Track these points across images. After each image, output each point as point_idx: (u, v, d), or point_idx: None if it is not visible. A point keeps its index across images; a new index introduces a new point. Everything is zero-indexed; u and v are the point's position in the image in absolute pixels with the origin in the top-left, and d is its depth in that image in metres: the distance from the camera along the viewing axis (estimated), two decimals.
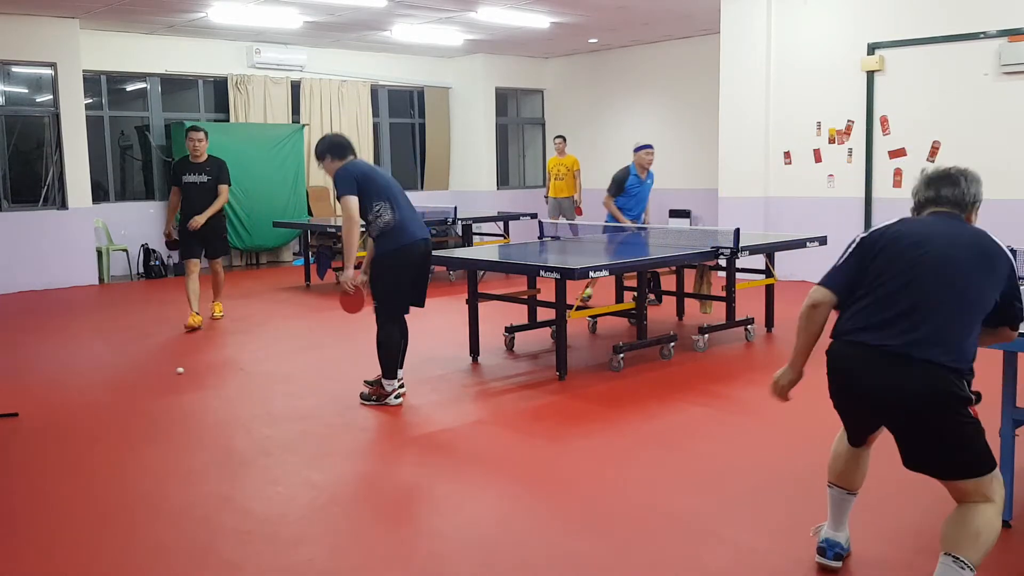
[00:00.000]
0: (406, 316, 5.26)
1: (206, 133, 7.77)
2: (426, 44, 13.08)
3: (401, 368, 5.31)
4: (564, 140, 12.32)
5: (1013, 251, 2.77)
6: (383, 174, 5.25)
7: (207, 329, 7.73)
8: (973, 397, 2.62)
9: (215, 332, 7.60)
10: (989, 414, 3.87)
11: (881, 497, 3.58)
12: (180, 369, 6.11)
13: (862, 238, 2.83)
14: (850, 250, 2.84)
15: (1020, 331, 2.84)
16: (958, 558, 2.58)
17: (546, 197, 12.45)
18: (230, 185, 7.79)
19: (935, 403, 2.57)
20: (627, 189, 8.06)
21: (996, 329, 2.78)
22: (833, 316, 2.85)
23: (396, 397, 5.22)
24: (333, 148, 5.19)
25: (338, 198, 5.04)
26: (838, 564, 3.03)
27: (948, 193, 2.81)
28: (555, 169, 12.14)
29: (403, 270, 5.11)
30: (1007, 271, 2.69)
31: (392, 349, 5.17)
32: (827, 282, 2.83)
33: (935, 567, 2.63)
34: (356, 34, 12.25)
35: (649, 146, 8.17)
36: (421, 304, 5.27)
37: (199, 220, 7.54)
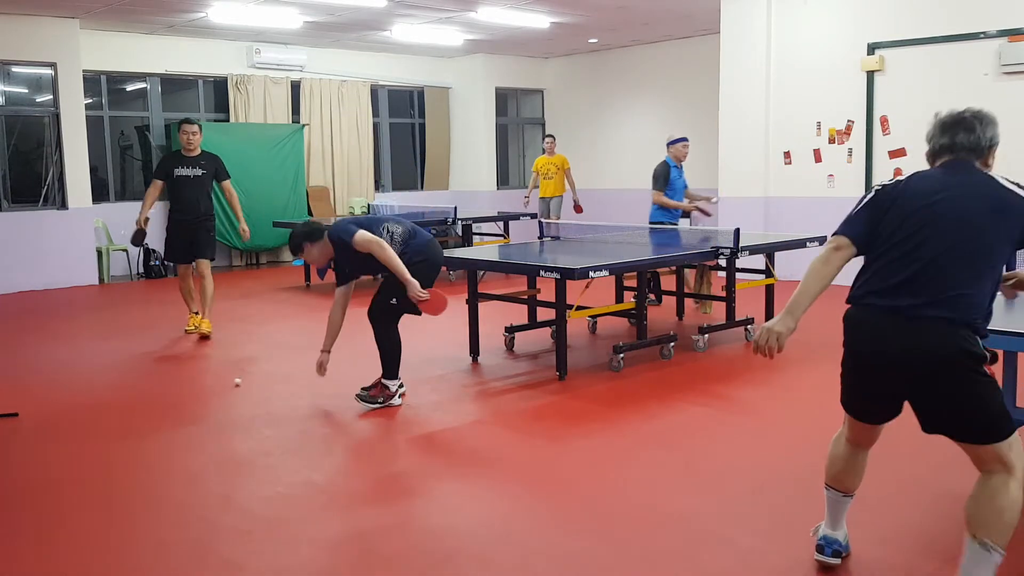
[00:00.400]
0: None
1: (200, 126, 7.58)
2: (426, 44, 13.08)
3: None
4: (554, 139, 12.36)
5: None
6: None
7: None
8: (988, 356, 2.58)
9: (215, 332, 7.58)
10: None
11: (881, 497, 3.58)
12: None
13: (877, 191, 2.80)
14: (865, 201, 2.81)
15: None
16: (985, 542, 2.54)
17: (526, 197, 12.45)
18: (230, 178, 7.67)
19: (948, 360, 2.55)
20: (671, 182, 8.11)
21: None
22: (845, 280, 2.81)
23: (399, 396, 5.24)
24: (308, 235, 5.08)
25: (353, 243, 4.90)
26: (836, 561, 3.03)
27: (964, 140, 2.75)
28: (544, 168, 12.15)
29: (433, 265, 5.20)
30: (1023, 214, 2.63)
31: (397, 349, 5.19)
32: (845, 231, 2.79)
33: (935, 569, 2.62)
34: (356, 34, 12.25)
35: (685, 139, 8.30)
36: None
37: (246, 229, 7.59)
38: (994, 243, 2.62)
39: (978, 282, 2.59)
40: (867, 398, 2.83)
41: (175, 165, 7.39)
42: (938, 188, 2.69)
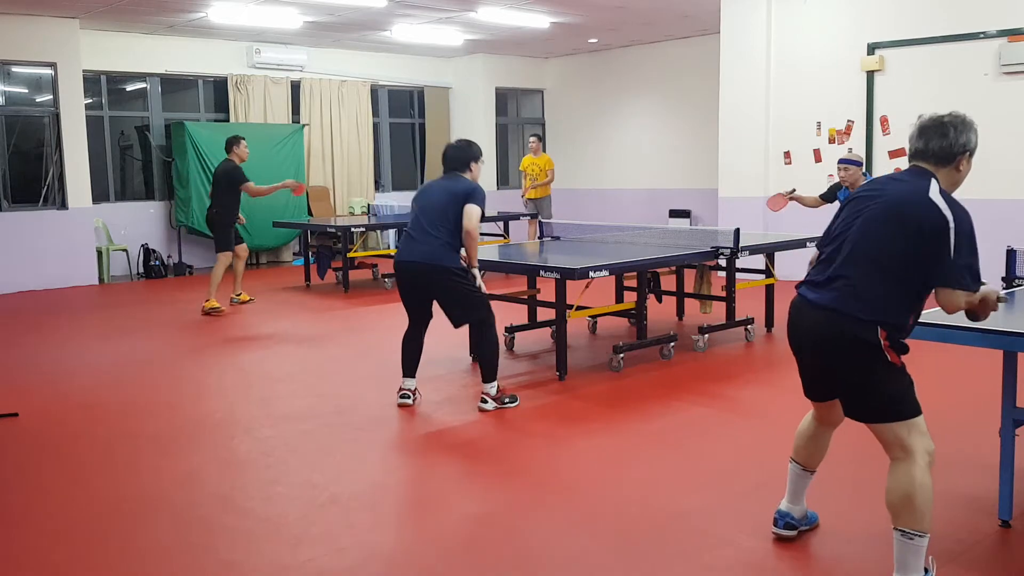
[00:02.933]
0: (422, 328, 5.27)
1: None
2: (426, 44, 13.08)
3: (413, 377, 5.27)
4: (539, 139, 12.40)
5: (1014, 252, 2.77)
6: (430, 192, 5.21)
7: (207, 330, 7.72)
8: (883, 343, 2.69)
9: (216, 332, 7.58)
10: (989, 414, 3.88)
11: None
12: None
13: (846, 199, 3.02)
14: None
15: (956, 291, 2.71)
16: (903, 530, 2.69)
17: (523, 196, 12.48)
18: None
19: (838, 344, 2.75)
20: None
21: (937, 291, 2.73)
22: None
23: (400, 396, 5.23)
24: (477, 157, 5.25)
25: (472, 210, 5.04)
26: (791, 533, 3.23)
27: (935, 146, 2.81)
28: (530, 169, 12.20)
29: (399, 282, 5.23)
30: (933, 232, 2.65)
31: (402, 346, 5.26)
32: (818, 240, 3.07)
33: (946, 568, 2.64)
34: (356, 34, 12.25)
35: (845, 161, 6.67)
36: (425, 322, 5.28)
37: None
38: (899, 253, 2.70)
39: (883, 287, 2.71)
40: (801, 374, 3.07)
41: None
42: (876, 197, 2.82)
